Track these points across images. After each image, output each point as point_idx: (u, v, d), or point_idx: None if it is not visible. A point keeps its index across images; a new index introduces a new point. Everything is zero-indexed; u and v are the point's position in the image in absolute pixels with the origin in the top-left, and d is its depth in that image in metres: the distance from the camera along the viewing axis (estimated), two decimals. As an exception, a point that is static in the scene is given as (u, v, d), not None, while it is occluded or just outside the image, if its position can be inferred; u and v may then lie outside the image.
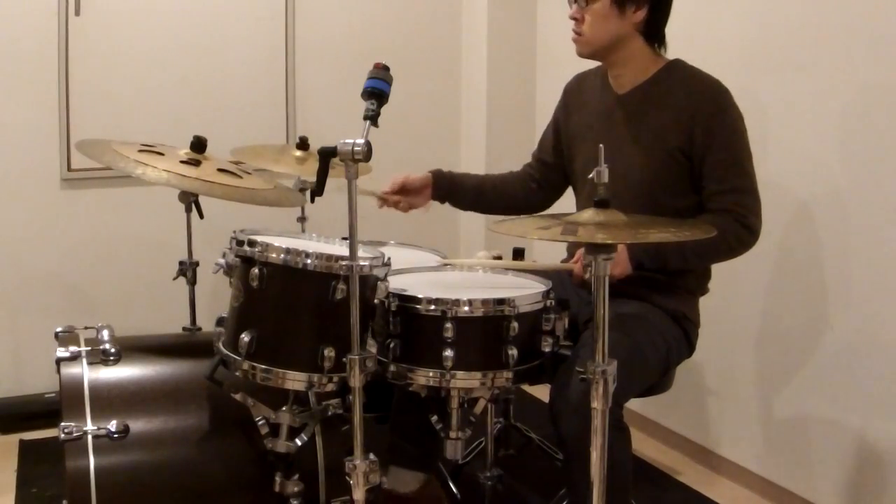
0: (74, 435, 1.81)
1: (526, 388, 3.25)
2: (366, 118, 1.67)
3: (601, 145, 1.60)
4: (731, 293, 2.80)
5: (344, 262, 1.69)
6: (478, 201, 2.42)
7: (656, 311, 2.08)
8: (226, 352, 1.79)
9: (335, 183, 1.78)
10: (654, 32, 2.09)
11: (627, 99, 2.13)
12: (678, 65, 2.12)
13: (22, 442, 3.00)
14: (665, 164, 2.05)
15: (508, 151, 3.80)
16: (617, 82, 2.16)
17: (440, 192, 2.37)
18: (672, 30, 2.13)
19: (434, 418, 1.94)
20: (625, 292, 2.04)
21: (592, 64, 2.24)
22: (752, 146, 2.06)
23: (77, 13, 3.21)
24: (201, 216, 2.56)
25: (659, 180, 2.06)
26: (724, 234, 1.96)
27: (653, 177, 2.06)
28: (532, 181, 2.42)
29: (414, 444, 2.21)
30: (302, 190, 2.86)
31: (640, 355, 1.96)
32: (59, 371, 1.94)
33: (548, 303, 1.85)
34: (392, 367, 1.80)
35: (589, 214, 1.59)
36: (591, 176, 1.59)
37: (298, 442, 1.89)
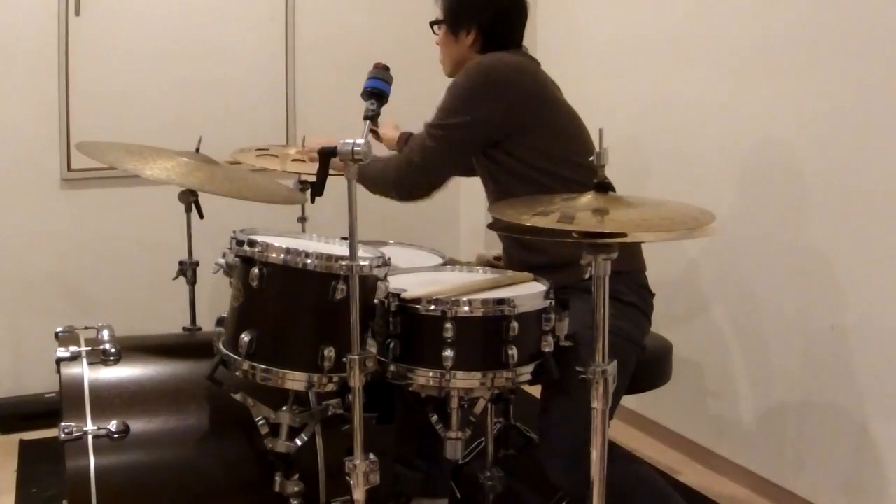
0: (74, 435, 1.81)
1: (526, 388, 3.25)
2: (366, 118, 1.67)
3: (601, 128, 1.60)
4: (730, 293, 2.80)
5: (344, 262, 1.69)
6: None
7: (576, 298, 1.92)
8: (226, 352, 1.79)
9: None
10: (492, 49, 2.17)
11: None
12: None
13: (22, 442, 3.00)
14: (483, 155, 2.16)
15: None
16: None
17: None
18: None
19: (434, 418, 1.94)
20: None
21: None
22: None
23: (77, 13, 3.21)
24: (201, 216, 2.56)
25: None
26: (390, 163, 2.14)
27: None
28: None
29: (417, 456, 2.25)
30: (302, 189, 2.86)
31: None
32: (59, 371, 1.94)
33: (548, 303, 1.85)
34: (392, 367, 1.80)
35: (587, 199, 1.60)
36: (591, 158, 1.60)
37: (298, 442, 1.89)
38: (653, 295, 2.14)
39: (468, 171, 2.34)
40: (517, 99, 2.06)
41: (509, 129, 2.07)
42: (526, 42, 3.90)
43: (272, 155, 2.94)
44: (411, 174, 2.11)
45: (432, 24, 2.27)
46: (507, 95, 2.05)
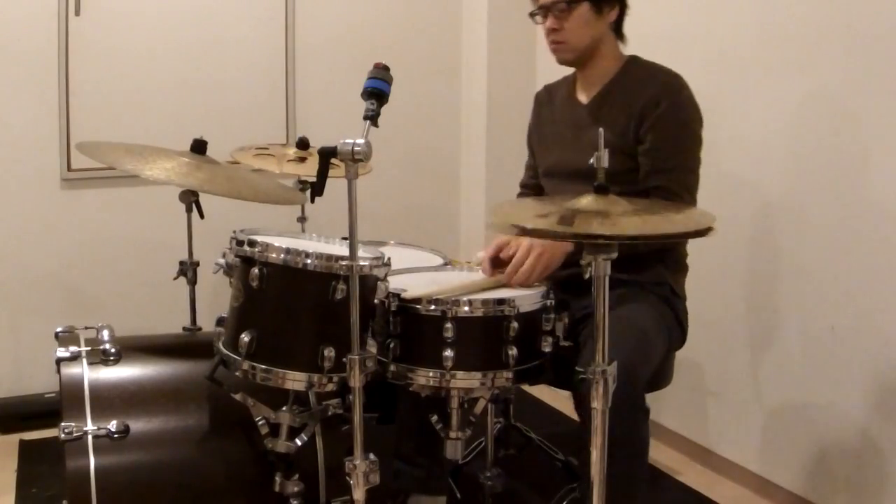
0: (74, 435, 1.81)
1: (526, 388, 3.25)
2: (366, 118, 1.67)
3: (601, 129, 1.61)
4: (730, 293, 2.80)
5: (344, 262, 1.69)
6: None
7: (643, 291, 2.10)
8: (226, 352, 1.79)
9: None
10: (620, 28, 2.20)
11: (591, 107, 2.22)
12: (634, 62, 2.20)
13: (22, 442, 3.00)
14: (626, 156, 2.10)
15: (508, 152, 3.79)
16: (586, 84, 2.24)
17: None
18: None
19: (434, 418, 1.94)
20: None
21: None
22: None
23: (77, 13, 3.21)
24: (201, 216, 2.56)
25: (621, 172, 2.08)
26: None
27: (613, 170, 2.07)
28: (534, 192, 2.44)
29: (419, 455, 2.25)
30: (302, 189, 2.86)
31: (645, 333, 1.99)
32: (59, 371, 1.94)
33: (548, 303, 1.85)
34: (392, 367, 1.80)
35: (587, 201, 1.59)
36: (591, 161, 1.59)
37: (298, 442, 1.89)
38: None
39: None
40: None
41: None
42: (526, 42, 3.93)
43: (270, 155, 2.94)
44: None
45: (569, 2, 2.10)
46: None
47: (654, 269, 2.13)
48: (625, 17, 2.20)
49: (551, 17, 2.14)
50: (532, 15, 2.19)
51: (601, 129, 1.61)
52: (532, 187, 2.44)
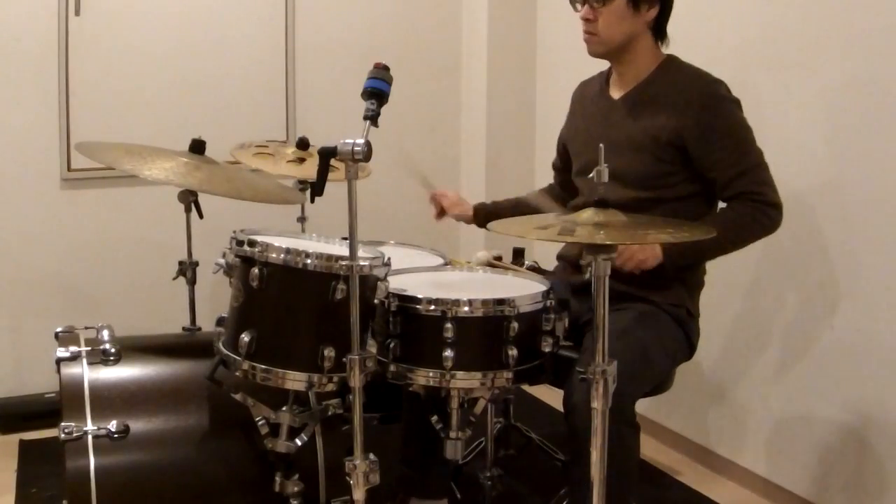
0: (74, 435, 1.81)
1: (526, 388, 3.25)
2: (366, 118, 1.67)
3: (601, 145, 1.61)
4: (731, 293, 2.80)
5: (344, 262, 1.69)
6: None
7: (659, 311, 2.09)
8: (226, 352, 1.79)
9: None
10: (660, 28, 2.14)
11: (622, 103, 2.17)
12: (671, 62, 2.15)
13: (22, 442, 3.00)
14: (659, 160, 2.08)
15: (508, 152, 3.81)
16: (620, 81, 2.19)
17: (480, 222, 2.46)
18: (671, 28, 2.14)
19: (434, 418, 1.94)
20: (626, 293, 2.04)
21: (591, 66, 2.26)
22: (762, 149, 2.08)
23: (77, 13, 3.21)
24: (201, 216, 2.56)
25: (653, 177, 2.09)
26: (748, 217, 2.03)
27: (646, 173, 2.09)
28: (561, 190, 2.45)
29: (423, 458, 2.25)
30: (302, 189, 2.86)
31: (647, 356, 1.98)
32: (59, 371, 1.94)
33: (548, 303, 1.85)
34: (392, 367, 1.80)
35: (588, 214, 1.59)
36: (591, 175, 1.60)
37: (298, 442, 1.89)
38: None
39: None
40: None
41: None
42: (526, 42, 3.92)
43: (270, 154, 2.94)
44: (780, 212, 2.07)
45: None
46: None
47: (674, 291, 2.12)
48: (667, 18, 2.13)
49: (587, 6, 2.09)
50: (572, 2, 2.14)
51: (601, 145, 1.61)
52: (562, 186, 2.46)
